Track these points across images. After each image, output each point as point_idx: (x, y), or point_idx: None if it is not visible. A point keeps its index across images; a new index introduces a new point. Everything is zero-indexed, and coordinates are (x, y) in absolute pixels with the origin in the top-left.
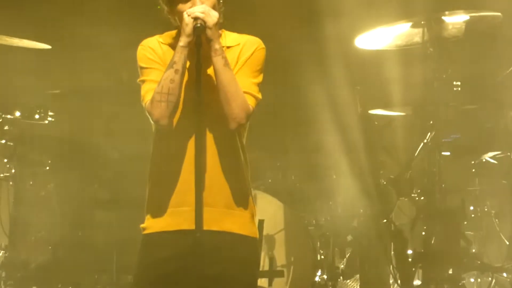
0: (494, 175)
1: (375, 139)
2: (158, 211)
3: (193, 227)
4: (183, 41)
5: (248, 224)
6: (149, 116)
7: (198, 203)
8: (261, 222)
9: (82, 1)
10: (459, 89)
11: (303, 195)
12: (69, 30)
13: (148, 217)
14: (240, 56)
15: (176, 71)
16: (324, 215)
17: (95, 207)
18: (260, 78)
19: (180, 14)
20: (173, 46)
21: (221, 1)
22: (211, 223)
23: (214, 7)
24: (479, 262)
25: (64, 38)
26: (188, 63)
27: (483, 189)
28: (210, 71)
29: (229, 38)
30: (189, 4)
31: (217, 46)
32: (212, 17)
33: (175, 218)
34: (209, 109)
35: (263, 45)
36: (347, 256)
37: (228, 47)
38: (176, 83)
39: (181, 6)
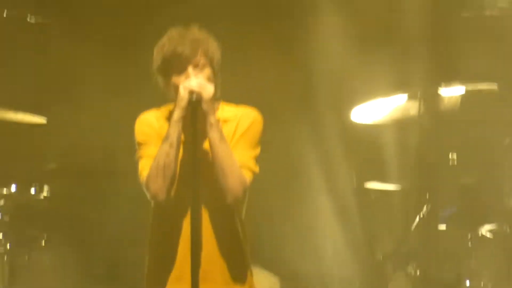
0: (491, 249)
1: (371, 212)
2: (157, 286)
3: None
4: (177, 115)
5: None
6: (146, 192)
7: (194, 279)
8: None
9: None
10: (455, 162)
11: (299, 270)
12: (65, 104)
13: None
14: (237, 130)
15: (170, 145)
16: None
17: (92, 283)
18: (257, 151)
19: (175, 86)
20: (170, 120)
21: (218, 73)
22: None
23: (209, 79)
24: None
25: (59, 112)
26: (184, 137)
27: (480, 263)
28: (206, 144)
29: (225, 110)
30: (183, 76)
31: (212, 120)
32: (208, 91)
33: None
34: (206, 183)
35: (260, 117)
36: None
37: (224, 121)
38: (172, 157)
39: (175, 78)
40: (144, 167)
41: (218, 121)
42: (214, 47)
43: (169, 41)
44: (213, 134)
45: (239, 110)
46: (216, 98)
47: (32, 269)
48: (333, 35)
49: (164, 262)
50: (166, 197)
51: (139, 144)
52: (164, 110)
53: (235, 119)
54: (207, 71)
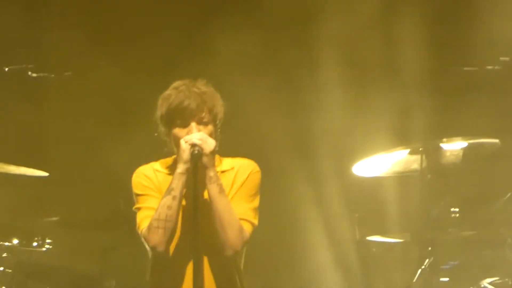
0: None
1: (373, 265)
2: None
3: None
4: (181, 168)
5: None
6: (145, 243)
7: None
8: None
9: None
10: (457, 215)
11: None
12: (66, 157)
13: None
14: (235, 181)
15: (174, 197)
16: None
17: None
18: (256, 203)
19: (176, 139)
20: (168, 173)
21: (219, 130)
22: None
23: (211, 135)
24: None
25: (61, 165)
26: (184, 190)
27: None
28: (206, 196)
29: (223, 162)
30: (185, 130)
31: (212, 174)
32: (209, 144)
33: None
34: (206, 235)
35: (257, 168)
36: None
37: (222, 172)
38: (174, 209)
39: (177, 131)
40: (143, 219)
41: (217, 174)
42: (219, 104)
43: (176, 93)
44: (212, 187)
45: (236, 162)
46: (215, 153)
47: None
48: (335, 90)
49: None
50: (165, 249)
51: (137, 195)
52: (161, 164)
53: (232, 171)
54: (210, 127)
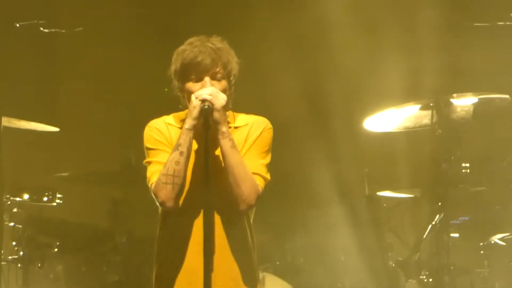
0: (503, 257)
1: (383, 221)
2: None
3: None
4: (188, 123)
5: None
6: (154, 198)
7: (207, 284)
8: None
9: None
10: (468, 170)
11: (311, 278)
12: (77, 113)
13: None
14: (248, 137)
15: (181, 153)
16: None
17: None
18: (268, 159)
19: (189, 94)
20: (180, 127)
21: (233, 87)
22: None
23: (224, 91)
24: None
25: (71, 120)
26: (196, 145)
27: (491, 271)
28: (218, 152)
29: (236, 118)
30: (199, 85)
31: (224, 129)
32: (220, 99)
33: None
34: (217, 190)
35: (270, 125)
36: None
37: (235, 127)
38: (182, 165)
39: (191, 85)
40: (153, 173)
41: (229, 129)
42: (233, 61)
43: (191, 48)
44: (224, 142)
45: (250, 118)
46: (227, 109)
47: (44, 276)
48: (347, 45)
49: (172, 269)
50: (174, 205)
51: (148, 149)
52: (173, 117)
53: (246, 127)
54: (224, 83)
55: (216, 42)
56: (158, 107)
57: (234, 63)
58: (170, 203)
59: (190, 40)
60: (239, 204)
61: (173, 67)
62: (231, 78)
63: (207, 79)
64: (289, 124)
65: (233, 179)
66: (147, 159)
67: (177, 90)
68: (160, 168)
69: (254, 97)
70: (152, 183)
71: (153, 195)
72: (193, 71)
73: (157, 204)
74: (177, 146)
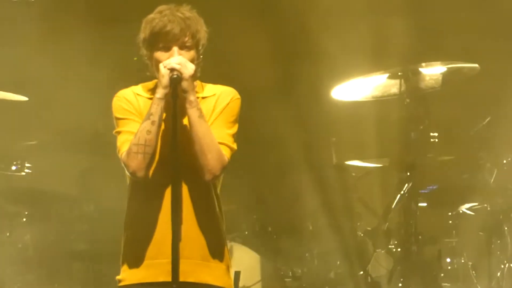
0: (471, 227)
1: (351, 190)
2: (134, 263)
3: (169, 279)
4: (160, 92)
5: (223, 276)
6: (125, 168)
7: (174, 254)
8: (237, 274)
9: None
10: (436, 140)
11: (279, 247)
12: (45, 81)
13: (123, 268)
14: (215, 107)
15: (152, 122)
16: (300, 267)
17: (71, 258)
18: (235, 129)
19: (157, 63)
20: (149, 97)
21: (201, 56)
22: (187, 275)
23: (192, 60)
24: None
25: (41, 89)
26: (164, 114)
27: (460, 241)
28: (185, 121)
29: (204, 88)
30: (167, 54)
31: (192, 98)
32: (189, 69)
33: (152, 270)
34: (185, 160)
35: (238, 96)
36: None
37: (203, 98)
38: (153, 134)
39: (159, 54)
40: (123, 142)
41: (197, 99)
42: (202, 30)
43: (160, 17)
44: (192, 112)
45: (217, 88)
46: (195, 78)
47: (13, 245)
48: (314, 15)
49: (141, 239)
50: (145, 174)
51: (118, 119)
52: (142, 87)
53: (213, 97)
54: (192, 53)
55: (186, 11)
56: (127, 76)
57: (203, 32)
58: (141, 173)
59: (160, 8)
60: (204, 174)
61: (141, 35)
62: (200, 47)
63: (175, 49)
64: (255, 92)
65: (199, 149)
66: (117, 129)
67: (145, 58)
68: (130, 137)
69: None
70: (122, 153)
71: (123, 165)
72: (162, 40)
73: (128, 174)
74: (148, 115)
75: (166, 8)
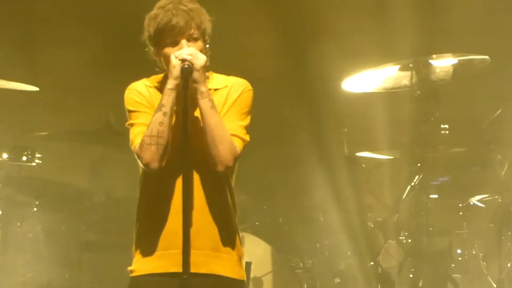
0: (482, 218)
1: (362, 181)
2: (146, 253)
3: (180, 269)
4: (171, 83)
5: (235, 266)
6: (138, 160)
7: (185, 245)
8: (248, 265)
9: (70, 43)
10: (447, 132)
11: (290, 238)
12: (57, 72)
13: (135, 259)
14: (227, 98)
15: (164, 113)
16: (311, 258)
17: (82, 249)
18: (247, 121)
19: (166, 57)
20: (160, 89)
21: (208, 46)
22: (198, 266)
23: (201, 51)
24: None
25: (52, 80)
26: (175, 106)
27: (470, 232)
28: (197, 113)
29: (216, 80)
30: (176, 49)
31: (203, 89)
32: (200, 59)
33: (163, 261)
34: (196, 151)
35: (250, 87)
36: None
37: (215, 89)
38: (165, 125)
39: (168, 50)
40: (136, 135)
41: (208, 90)
42: (206, 19)
43: (163, 12)
44: (204, 102)
45: (230, 80)
46: (206, 69)
47: (23, 235)
48: (327, 8)
49: (153, 230)
50: (159, 166)
51: (130, 111)
52: (153, 80)
53: (225, 88)
54: (200, 43)
55: (188, 3)
56: (138, 68)
57: (207, 22)
58: (154, 164)
59: (161, 3)
60: (216, 165)
61: (146, 33)
62: (206, 37)
63: (183, 41)
64: (268, 84)
65: (211, 140)
66: (129, 122)
67: (153, 54)
68: (143, 129)
69: (231, 56)
70: (135, 145)
71: (136, 157)
72: (168, 35)
73: (141, 165)
74: (160, 107)
75: (167, 3)
